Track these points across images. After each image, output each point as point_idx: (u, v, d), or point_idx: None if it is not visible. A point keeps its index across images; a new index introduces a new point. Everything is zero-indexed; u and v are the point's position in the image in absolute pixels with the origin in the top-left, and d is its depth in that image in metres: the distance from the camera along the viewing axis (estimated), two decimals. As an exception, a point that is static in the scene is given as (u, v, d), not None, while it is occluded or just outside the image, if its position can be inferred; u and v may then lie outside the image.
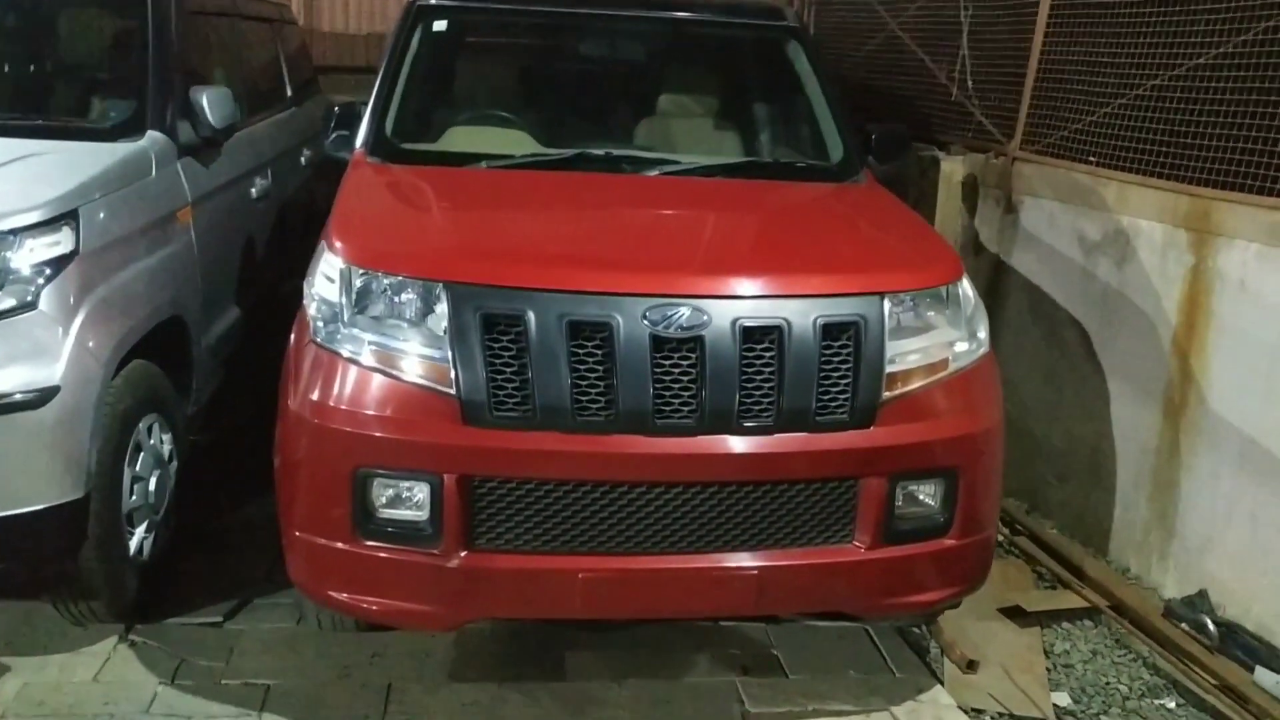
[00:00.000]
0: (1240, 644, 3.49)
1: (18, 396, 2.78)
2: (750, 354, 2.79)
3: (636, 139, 4.02)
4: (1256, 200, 3.49)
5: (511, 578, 2.80)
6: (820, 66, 4.19)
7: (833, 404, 2.84)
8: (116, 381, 3.11)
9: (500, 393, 2.72)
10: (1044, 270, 4.57)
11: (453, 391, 2.72)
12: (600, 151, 3.74)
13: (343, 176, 3.74)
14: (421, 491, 2.78)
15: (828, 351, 2.84)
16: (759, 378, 2.80)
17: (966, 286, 3.12)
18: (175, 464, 3.58)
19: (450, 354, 2.73)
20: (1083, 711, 3.32)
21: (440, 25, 4.10)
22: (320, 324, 2.87)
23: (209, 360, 4.03)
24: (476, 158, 3.67)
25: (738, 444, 2.79)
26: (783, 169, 3.89)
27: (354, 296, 2.85)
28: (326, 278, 2.94)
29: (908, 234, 3.43)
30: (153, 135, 3.67)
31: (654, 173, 3.66)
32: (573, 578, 2.80)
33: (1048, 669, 3.52)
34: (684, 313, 2.77)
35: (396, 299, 2.83)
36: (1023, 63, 4.78)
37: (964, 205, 5.12)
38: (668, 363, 2.76)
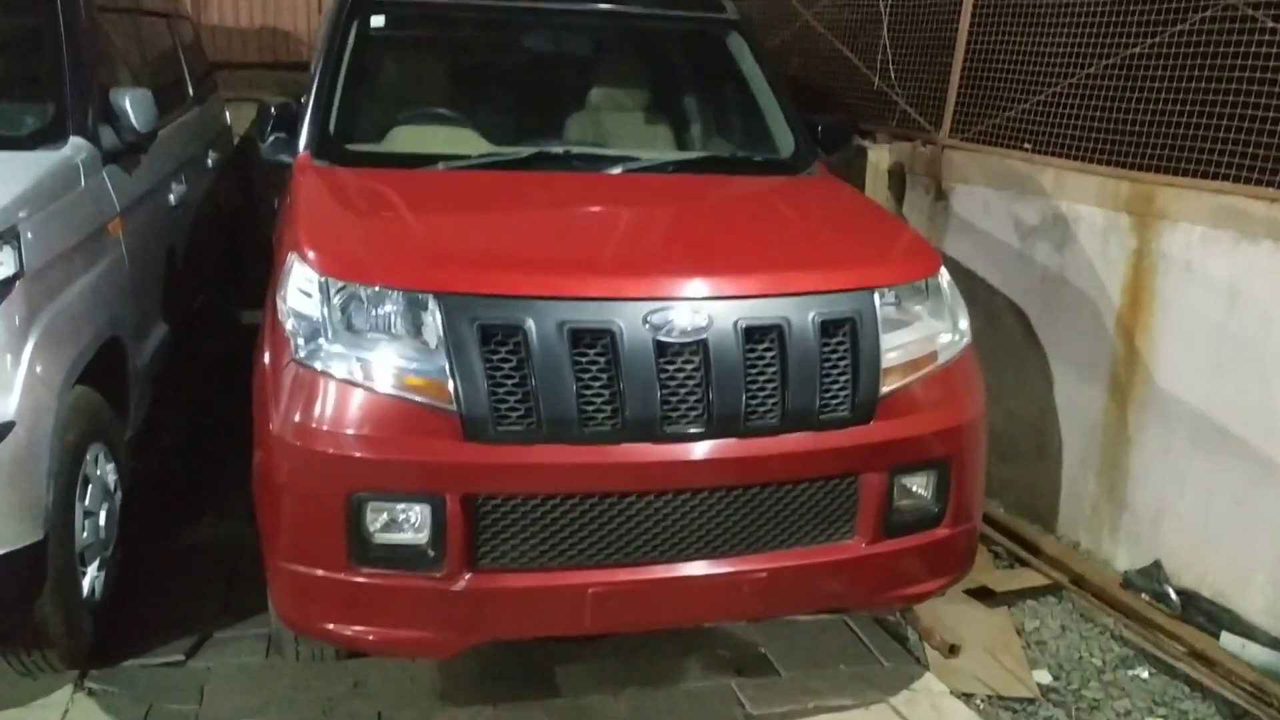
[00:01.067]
0: (1201, 610, 3.64)
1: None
2: (753, 354, 2.75)
3: (588, 135, 3.92)
4: (1201, 184, 3.63)
5: (519, 597, 2.70)
6: (764, 58, 4.17)
7: (834, 401, 2.82)
8: (64, 411, 2.88)
9: (502, 406, 2.62)
10: (979, 255, 4.66)
11: (452, 407, 2.60)
12: (559, 149, 3.65)
13: (286, 182, 3.57)
14: (421, 513, 2.65)
15: (827, 349, 2.82)
16: (762, 378, 2.76)
17: (945, 278, 3.14)
18: (119, 494, 3.34)
19: (448, 368, 2.60)
20: (1065, 688, 3.40)
21: (378, 20, 3.92)
22: (300, 341, 2.70)
23: (143, 381, 3.78)
24: (431, 158, 3.52)
25: (745, 446, 2.74)
26: (740, 163, 3.86)
27: (336, 311, 2.70)
28: (302, 292, 2.78)
29: (882, 228, 3.45)
30: (76, 142, 3.40)
31: (616, 170, 3.58)
32: (582, 592, 2.72)
33: (1024, 647, 3.60)
34: (686, 316, 2.71)
35: (383, 312, 2.69)
36: (948, 52, 4.87)
37: (891, 193, 5.20)
38: (672, 368, 2.69)
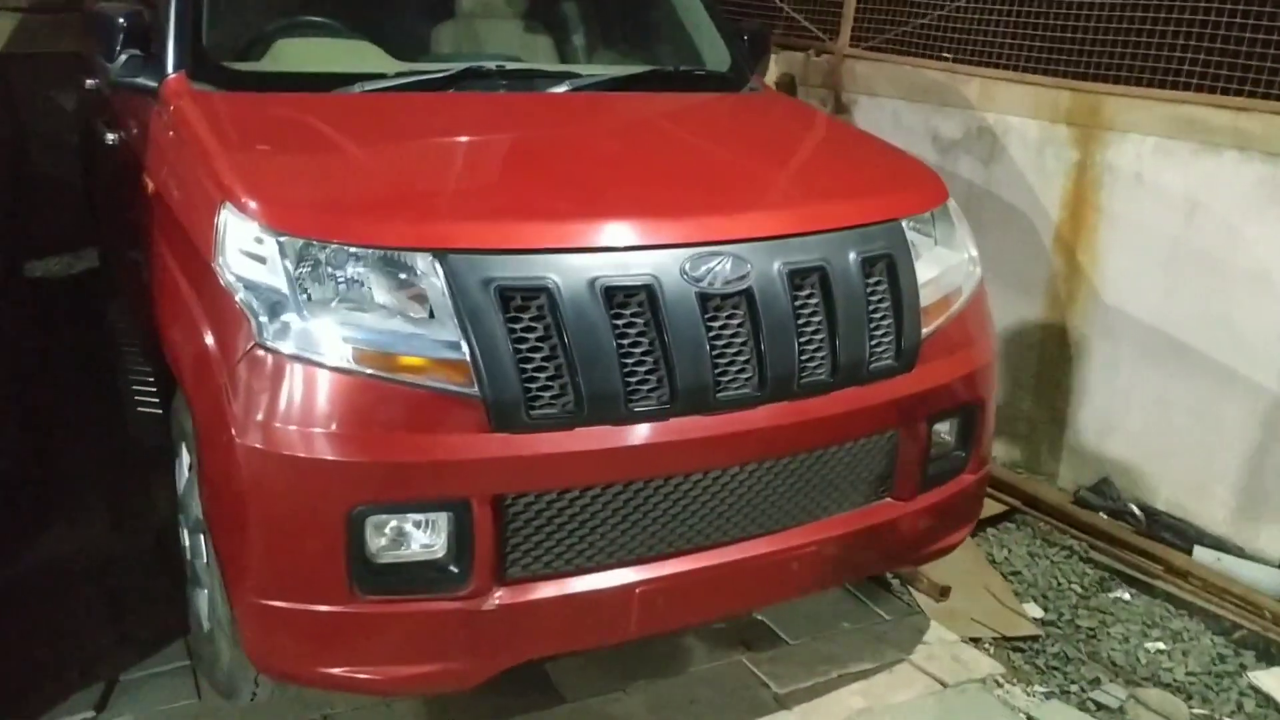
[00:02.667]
0: (1164, 526, 3.64)
1: None
2: (799, 302, 2.40)
3: (507, 48, 3.38)
4: (1155, 94, 3.53)
5: (556, 608, 2.27)
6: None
7: (880, 350, 2.52)
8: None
9: (534, 385, 2.15)
10: (889, 172, 4.46)
11: (473, 390, 2.11)
12: (490, 65, 3.09)
13: (146, 109, 2.87)
14: (441, 523, 2.17)
15: (869, 290, 2.51)
16: (809, 330, 2.41)
17: (954, 204, 2.88)
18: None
19: (464, 343, 2.10)
20: (1058, 619, 3.32)
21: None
22: (263, 319, 2.11)
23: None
24: (339, 78, 2.89)
25: (801, 409, 2.39)
26: (686, 78, 3.42)
27: (306, 278, 2.12)
28: (249, 255, 2.18)
29: (877, 151, 3.13)
30: None
31: (561, 89, 3.07)
32: (628, 593, 2.32)
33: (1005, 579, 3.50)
34: (727, 262, 2.31)
35: (369, 277, 2.14)
36: (844, -46, 4.59)
37: (778, 107, 4.91)
38: (716, 324, 2.30)
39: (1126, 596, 3.45)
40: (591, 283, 2.18)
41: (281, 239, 2.13)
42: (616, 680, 2.83)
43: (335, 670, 2.22)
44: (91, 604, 3.01)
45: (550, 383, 2.16)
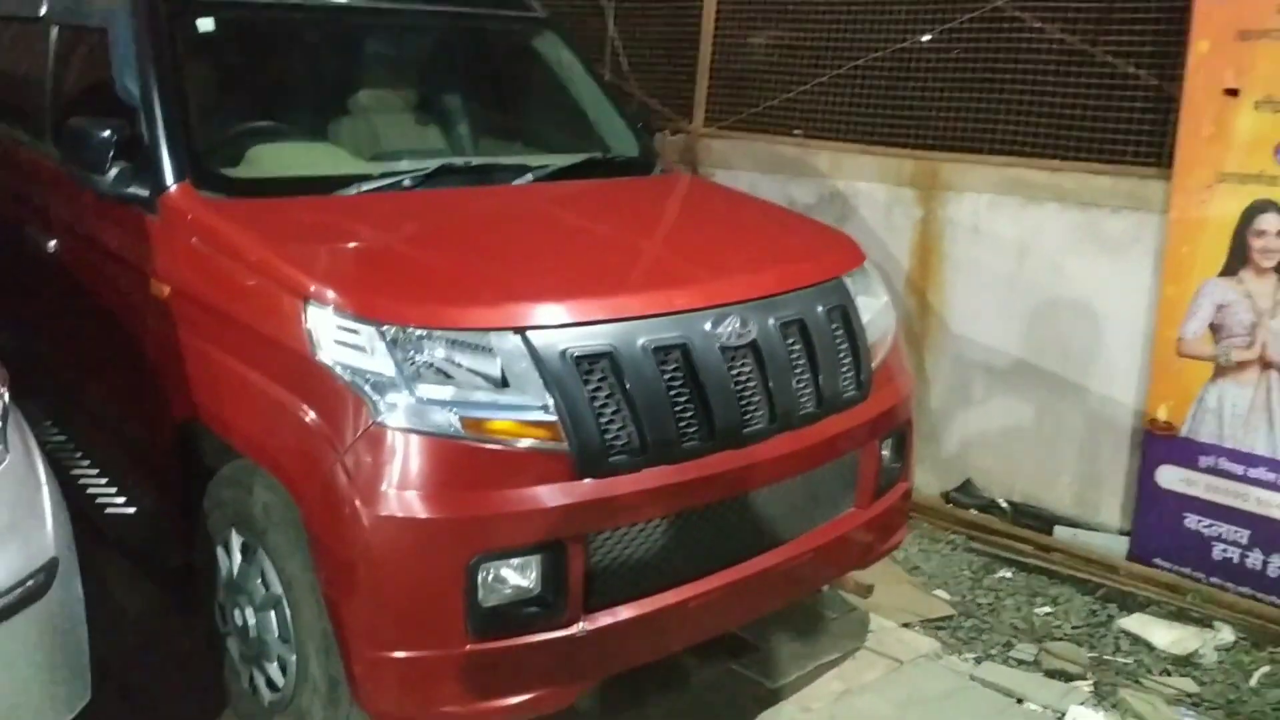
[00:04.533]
0: (1025, 513, 4.37)
1: (18, 590, 1.93)
2: (790, 349, 2.89)
3: (457, 146, 3.72)
4: (985, 159, 4.30)
5: (631, 628, 2.63)
6: (582, 57, 4.19)
7: (846, 383, 3.05)
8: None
9: (607, 436, 2.52)
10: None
11: (563, 446, 2.46)
12: (460, 162, 3.43)
13: (141, 220, 3.03)
14: (540, 564, 2.49)
15: (834, 335, 3.03)
16: (798, 370, 2.91)
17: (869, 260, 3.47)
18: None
19: (553, 405, 2.45)
20: (961, 600, 3.94)
21: (206, 25, 3.37)
22: (376, 400, 2.38)
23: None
24: (331, 181, 3.16)
25: (800, 437, 2.88)
26: (619, 165, 3.86)
27: (411, 362, 2.41)
28: (348, 345, 2.44)
29: (802, 222, 3.70)
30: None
31: (525, 180, 3.45)
32: (684, 608, 2.71)
33: (909, 573, 4.10)
34: (737, 320, 2.77)
35: (465, 357, 2.45)
36: (692, 48, 5.19)
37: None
38: (734, 372, 2.75)
39: (1009, 575, 4.13)
40: (643, 345, 2.59)
41: (383, 328, 2.42)
42: (630, 700, 3.18)
43: (450, 709, 2.48)
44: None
45: (620, 432, 2.54)
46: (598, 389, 2.53)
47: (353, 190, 3.14)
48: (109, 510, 3.55)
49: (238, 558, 2.82)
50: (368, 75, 3.83)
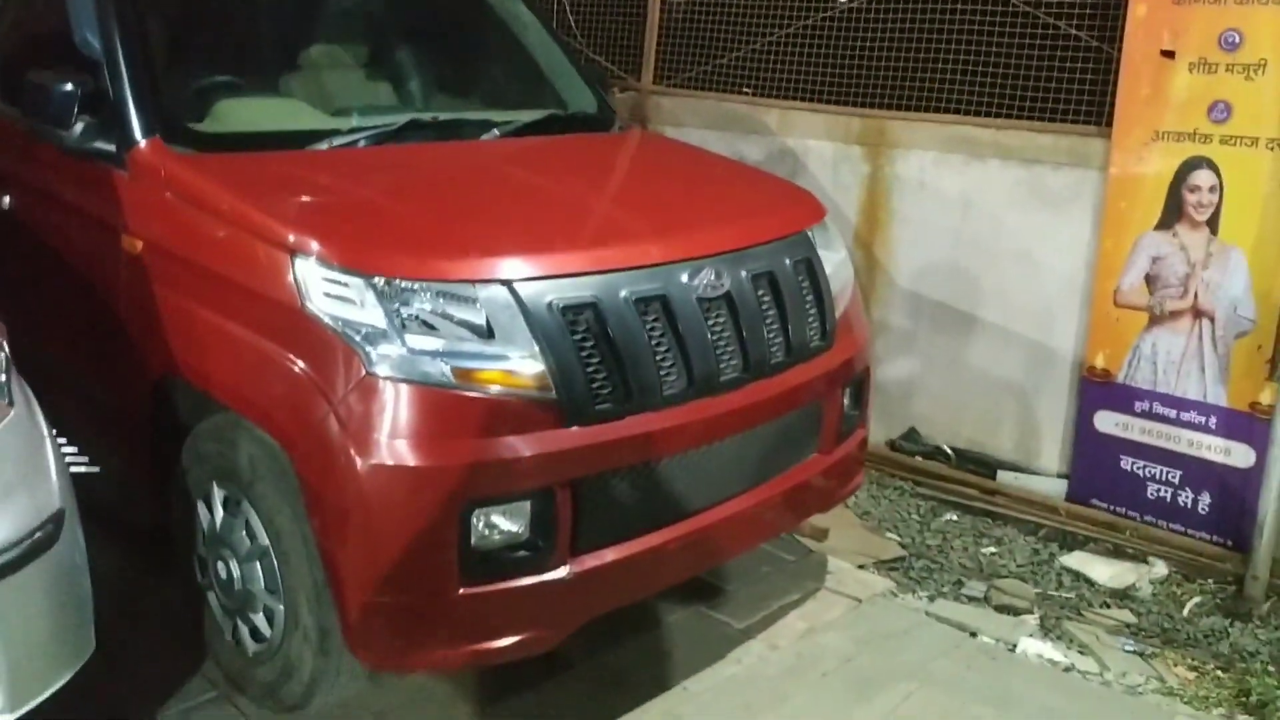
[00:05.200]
0: (969, 459, 4.56)
1: (27, 542, 1.94)
2: (761, 300, 2.98)
3: (416, 100, 3.72)
4: (931, 117, 4.43)
5: (615, 571, 2.72)
6: (539, 13, 4.21)
7: (812, 333, 3.16)
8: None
9: (593, 385, 2.59)
10: (698, 191, 5.15)
11: (551, 395, 2.53)
12: (427, 117, 3.44)
13: (116, 174, 3.00)
14: (530, 510, 2.56)
15: (801, 287, 3.14)
16: (768, 321, 3.00)
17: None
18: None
19: (543, 356, 2.52)
20: (911, 541, 4.11)
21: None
22: (369, 351, 2.42)
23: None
24: (301, 136, 3.16)
25: (771, 385, 2.98)
26: (579, 121, 3.90)
27: (402, 314, 2.45)
28: (338, 297, 2.47)
29: (764, 177, 3.78)
30: None
31: (492, 135, 3.47)
32: (665, 550, 2.81)
33: (860, 517, 4.26)
34: (712, 272, 2.86)
35: (455, 308, 2.50)
36: (640, 5, 5.23)
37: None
38: (710, 323, 2.84)
39: (954, 518, 4.32)
40: (625, 297, 2.66)
41: (373, 280, 2.45)
42: (609, 640, 3.28)
43: (440, 652, 2.56)
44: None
45: (605, 381, 2.61)
46: (583, 339, 2.59)
47: (324, 145, 3.14)
48: (74, 470, 3.51)
49: (220, 511, 2.83)
50: (329, 30, 3.80)
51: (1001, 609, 3.65)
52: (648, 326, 2.70)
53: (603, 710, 2.98)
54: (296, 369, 2.49)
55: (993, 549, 4.08)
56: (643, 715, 2.97)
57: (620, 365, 2.62)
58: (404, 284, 2.46)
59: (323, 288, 2.49)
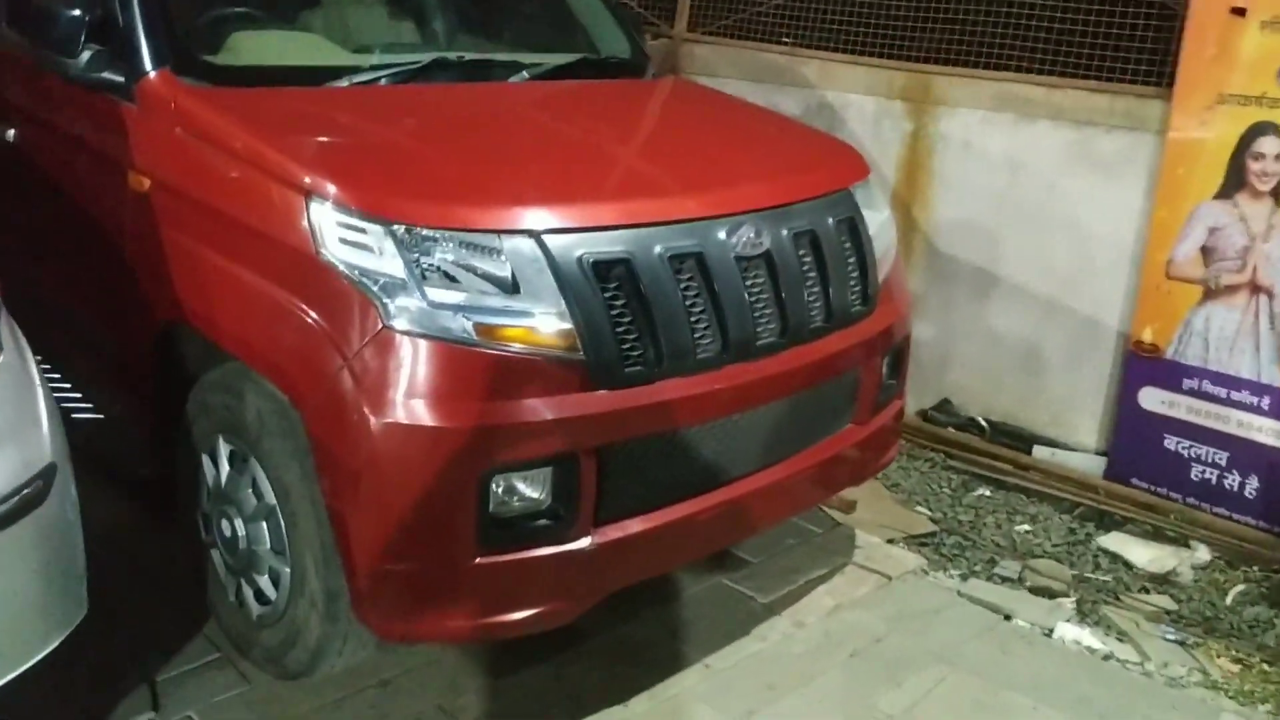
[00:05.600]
0: (1003, 432, 4.39)
1: (16, 498, 1.80)
2: (803, 261, 2.81)
3: (444, 40, 3.53)
4: (980, 74, 4.21)
5: (639, 543, 2.57)
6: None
7: (854, 297, 2.98)
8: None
9: (624, 346, 2.43)
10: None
11: (578, 355, 2.37)
12: (452, 57, 3.25)
13: (124, 106, 2.83)
14: (547, 477, 2.41)
15: (843, 248, 2.96)
16: (808, 283, 2.83)
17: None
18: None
19: (571, 313, 2.35)
20: (943, 516, 3.96)
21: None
22: (387, 303, 2.26)
23: None
24: (319, 72, 2.98)
25: (809, 351, 2.82)
26: (612, 66, 3.70)
27: (423, 264, 2.29)
28: (355, 245, 2.31)
29: (807, 132, 3.59)
30: None
31: (521, 78, 3.28)
32: (692, 522, 2.66)
33: (889, 489, 4.11)
34: (751, 229, 2.68)
35: (480, 260, 2.33)
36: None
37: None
38: (747, 283, 2.67)
39: (987, 493, 4.16)
40: (659, 253, 2.49)
41: (392, 227, 2.28)
42: (627, 612, 3.15)
43: (453, 623, 2.42)
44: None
45: (635, 342, 2.45)
46: (614, 297, 2.43)
47: (344, 82, 2.95)
48: (75, 416, 3.38)
49: (225, 466, 2.70)
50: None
51: (1037, 591, 3.49)
52: (682, 285, 2.53)
53: (619, 686, 2.85)
54: (308, 320, 2.33)
55: (1027, 527, 3.92)
56: (661, 692, 2.84)
57: (652, 326, 2.46)
58: (426, 232, 2.30)
59: (339, 234, 2.32)
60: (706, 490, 2.70)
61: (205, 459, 2.76)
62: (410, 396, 2.24)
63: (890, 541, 3.72)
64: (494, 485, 2.33)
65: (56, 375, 3.57)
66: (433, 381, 2.25)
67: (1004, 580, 3.55)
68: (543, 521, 2.42)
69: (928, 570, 3.56)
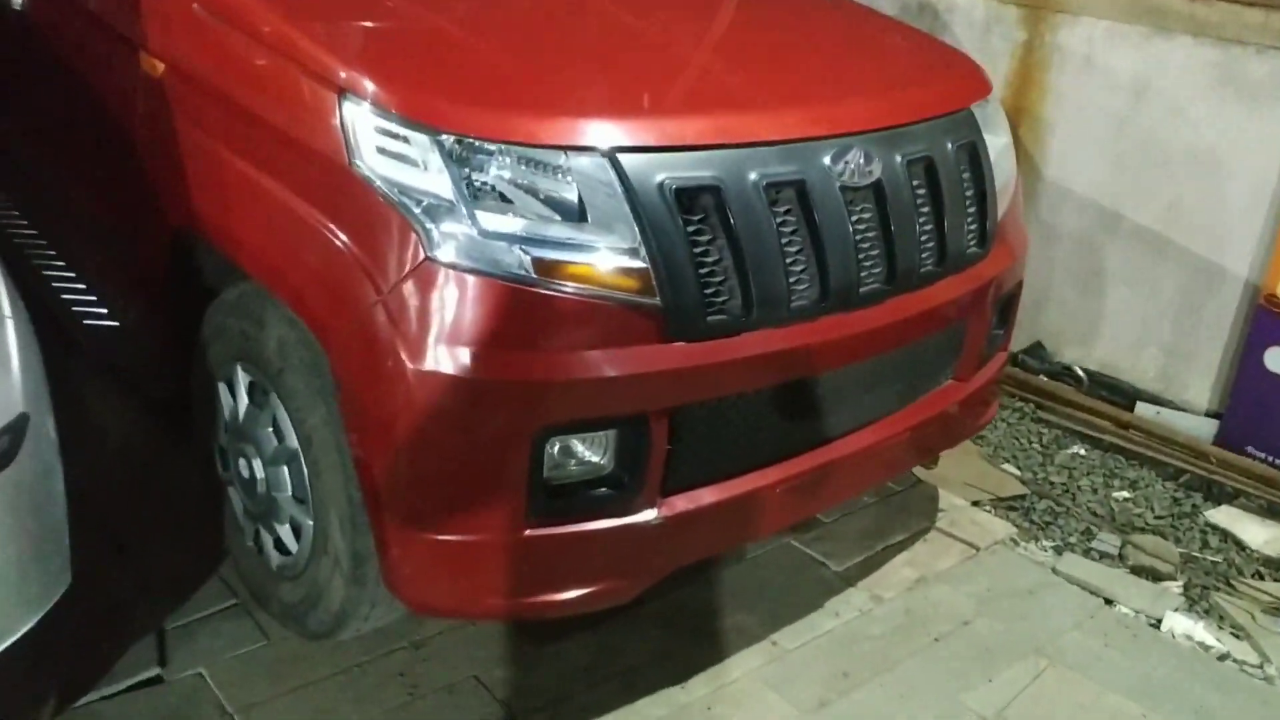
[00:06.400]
0: (1102, 384, 3.98)
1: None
2: (917, 193, 2.40)
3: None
4: (1112, -23, 3.69)
5: (710, 516, 2.22)
6: None
7: (971, 237, 2.57)
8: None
9: (707, 291, 2.05)
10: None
11: (655, 300, 1.99)
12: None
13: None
14: (617, 439, 2.06)
15: (961, 179, 2.54)
16: (920, 221, 2.42)
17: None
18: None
19: (647, 249, 1.97)
20: (1033, 477, 3.59)
21: None
22: (431, 230, 1.89)
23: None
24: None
25: (917, 300, 2.42)
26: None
27: (475, 184, 1.91)
28: (395, 156, 1.93)
29: (922, 38, 3.11)
30: None
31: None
32: (770, 492, 2.30)
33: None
34: (860, 155, 2.26)
35: (543, 181, 1.94)
36: None
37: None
38: (853, 219, 2.27)
39: (1081, 451, 3.77)
40: (754, 181, 2.09)
41: (440, 137, 1.90)
42: (685, 577, 2.82)
43: (494, 601, 2.10)
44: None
45: (721, 287, 2.07)
46: (698, 232, 2.04)
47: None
48: (87, 321, 3.08)
49: (244, 398, 2.37)
50: None
51: (1139, 571, 3.13)
52: (778, 221, 2.13)
53: (675, 662, 2.55)
54: (338, 243, 1.97)
55: (1126, 494, 3.54)
56: (723, 674, 2.53)
57: (742, 268, 2.06)
58: (480, 144, 1.91)
59: (376, 141, 1.94)
60: (788, 456, 2.34)
61: (222, 388, 2.44)
62: (455, 343, 1.88)
63: (976, 504, 3.36)
64: (549, 448, 1.99)
65: (71, 272, 3.26)
66: (483, 326, 1.89)
67: (1103, 556, 3.19)
68: (603, 490, 2.09)
69: (1018, 540, 3.20)
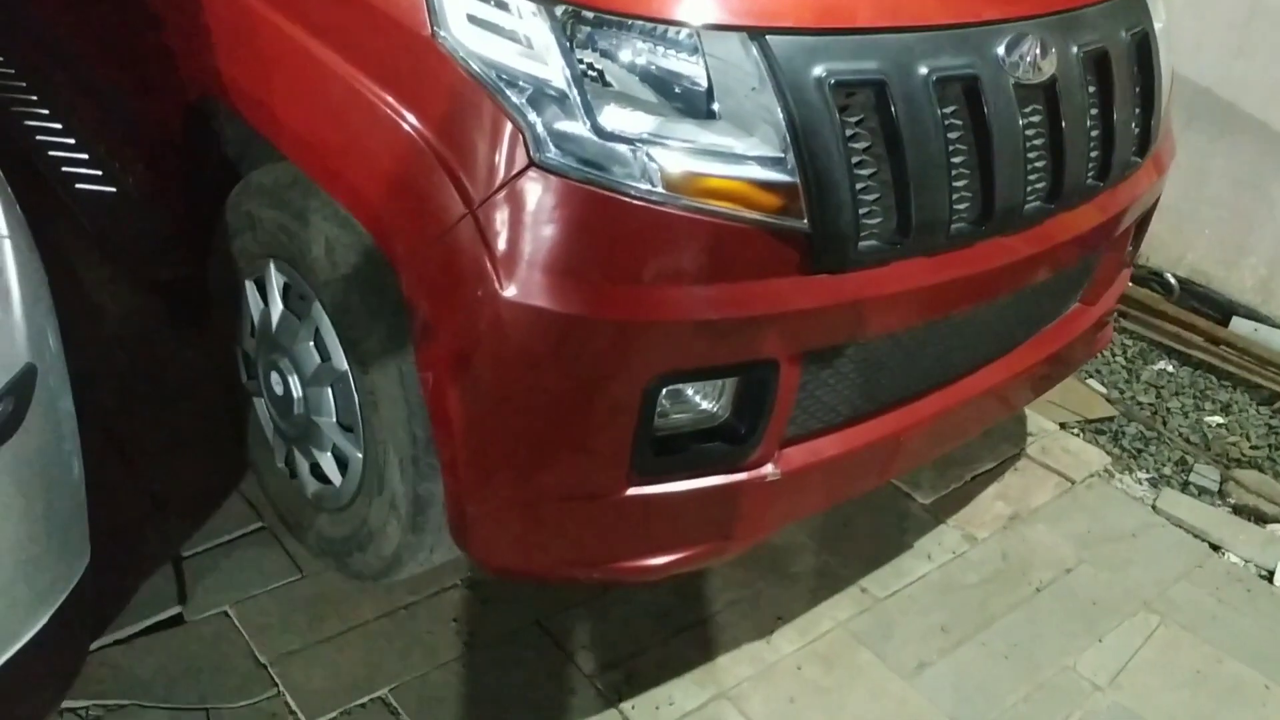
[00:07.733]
0: (1195, 294, 3.65)
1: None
2: (1091, 92, 2.00)
3: None
4: None
5: (829, 467, 1.90)
6: None
7: (1134, 144, 2.19)
8: None
9: (861, 211, 1.67)
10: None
11: (801, 223, 1.61)
12: None
13: None
14: (738, 386, 1.72)
15: (1133, 75, 2.14)
16: (1089, 124, 2.03)
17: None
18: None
19: (798, 158, 1.58)
20: (1119, 396, 3.30)
21: None
22: (538, 126, 1.49)
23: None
24: None
25: (1079, 218, 2.06)
26: None
27: (592, 69, 1.50)
28: (497, 30, 1.51)
29: None
30: None
31: None
32: (894, 440, 1.98)
33: (1056, 357, 3.42)
34: (1036, 46, 1.86)
35: (673, 67, 1.54)
36: None
37: None
38: (1023, 124, 1.87)
39: (1169, 368, 3.47)
40: (925, 74, 1.68)
41: (555, 8, 1.48)
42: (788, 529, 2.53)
43: (580, 565, 1.80)
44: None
45: (876, 206, 1.69)
46: (855, 138, 1.65)
47: None
48: (79, 186, 2.66)
49: (277, 303, 2.00)
50: None
51: (1242, 511, 2.87)
52: (946, 124, 1.74)
53: (758, 611, 2.28)
54: (416, 137, 1.56)
55: (1219, 419, 3.26)
56: (811, 626, 2.27)
57: (903, 183, 1.68)
58: (601, 17, 1.50)
59: (468, 8, 1.52)
60: (913, 399, 2.02)
61: (250, 286, 2.06)
62: (561, 272, 1.51)
63: (1064, 426, 3.07)
64: (663, 398, 1.65)
65: (60, 127, 2.82)
66: (596, 251, 1.52)
67: (1202, 493, 2.92)
68: (716, 443, 1.76)
69: (1113, 472, 2.93)
